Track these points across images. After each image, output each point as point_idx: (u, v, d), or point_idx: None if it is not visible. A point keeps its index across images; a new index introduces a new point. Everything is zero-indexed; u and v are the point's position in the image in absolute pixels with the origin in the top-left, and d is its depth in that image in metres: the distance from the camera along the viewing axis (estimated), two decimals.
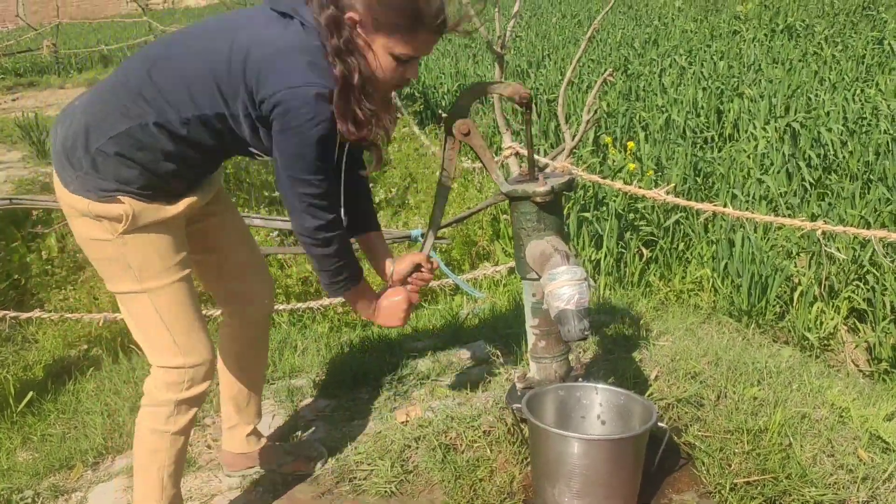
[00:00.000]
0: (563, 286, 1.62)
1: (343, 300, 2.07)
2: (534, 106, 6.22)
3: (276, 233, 3.57)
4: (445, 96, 7.48)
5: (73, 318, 3.06)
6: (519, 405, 1.85)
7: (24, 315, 3.00)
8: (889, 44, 6.76)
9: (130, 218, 1.60)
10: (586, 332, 1.62)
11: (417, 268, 1.93)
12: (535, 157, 3.05)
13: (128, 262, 1.64)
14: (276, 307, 3.20)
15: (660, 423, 1.76)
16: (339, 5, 1.53)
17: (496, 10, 3.45)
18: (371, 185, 4.52)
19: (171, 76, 1.57)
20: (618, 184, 3.31)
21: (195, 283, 1.80)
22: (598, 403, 1.91)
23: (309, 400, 2.49)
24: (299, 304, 3.27)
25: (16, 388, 2.81)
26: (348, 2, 1.52)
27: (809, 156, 4.34)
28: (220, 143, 1.64)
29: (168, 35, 1.73)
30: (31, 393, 2.74)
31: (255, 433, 2.13)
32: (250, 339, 2.03)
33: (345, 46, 1.53)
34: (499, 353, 2.59)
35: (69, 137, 1.60)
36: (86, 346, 3.25)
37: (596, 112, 3.23)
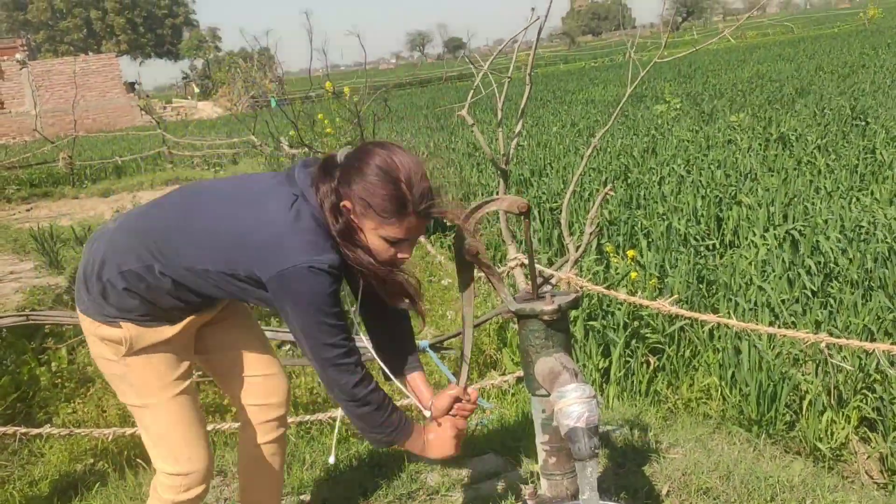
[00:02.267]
0: (573, 404, 1.64)
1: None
2: (537, 214, 6.39)
3: (287, 346, 3.60)
4: (449, 205, 7.63)
5: (82, 434, 3.05)
6: None
7: (35, 431, 3.01)
8: (881, 153, 6.96)
9: (129, 342, 1.79)
10: (596, 450, 1.64)
11: (457, 400, 1.98)
12: (540, 267, 3.12)
13: (130, 381, 1.85)
14: None
15: None
16: (338, 194, 1.68)
17: (499, 128, 3.61)
18: None
19: (185, 238, 1.76)
20: (622, 294, 3.37)
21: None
22: None
23: None
24: (307, 416, 3.26)
25: None
26: (345, 191, 1.68)
27: (809, 264, 4.41)
28: (219, 290, 1.79)
29: (193, 190, 1.91)
30: None
31: None
32: (268, 439, 2.07)
33: (344, 229, 1.69)
34: (509, 468, 2.57)
35: (90, 263, 1.81)
36: (92, 461, 3.22)
37: (598, 225, 3.33)
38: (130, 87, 34.78)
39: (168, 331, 1.83)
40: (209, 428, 3.03)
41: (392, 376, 2.01)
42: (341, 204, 1.68)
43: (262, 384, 2.03)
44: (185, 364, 1.89)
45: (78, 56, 35.77)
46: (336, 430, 2.11)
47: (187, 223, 1.77)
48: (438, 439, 1.91)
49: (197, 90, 41.32)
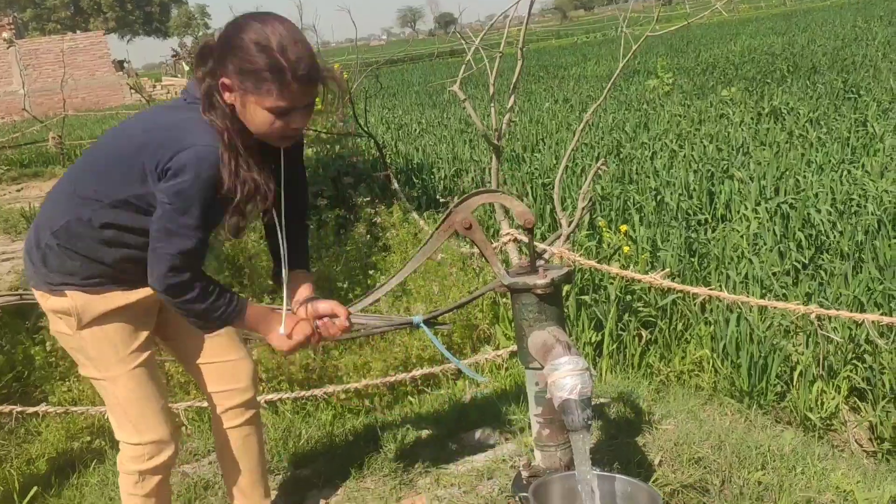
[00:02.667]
0: (566, 376, 1.66)
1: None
2: (529, 190, 6.39)
3: None
4: (442, 181, 7.64)
5: (78, 412, 3.06)
6: (525, 494, 1.86)
7: (31, 409, 3.02)
8: (872, 126, 6.97)
9: (77, 312, 1.80)
10: (590, 422, 1.66)
11: (333, 316, 1.93)
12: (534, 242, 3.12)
13: (87, 354, 1.85)
14: (279, 395, 3.22)
15: None
16: (214, 75, 1.66)
17: (492, 104, 3.60)
18: (370, 270, 4.58)
19: (95, 171, 1.79)
20: (615, 268, 3.39)
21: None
22: (605, 492, 1.92)
23: (314, 491, 2.49)
24: (302, 392, 3.28)
25: (20, 483, 2.80)
26: (222, 70, 1.65)
27: (800, 237, 4.43)
28: (138, 219, 1.76)
29: (100, 137, 1.96)
30: (35, 488, 2.73)
31: None
32: (237, 423, 2.08)
33: (220, 111, 1.66)
34: (503, 440, 2.60)
35: (30, 239, 1.85)
36: (89, 439, 3.24)
37: (591, 199, 3.33)
38: (119, 65, 34.41)
39: (119, 297, 1.83)
40: (201, 405, 3.06)
41: (279, 273, 1.98)
42: (220, 82, 1.65)
43: (225, 370, 2.04)
44: (142, 336, 1.90)
45: (66, 34, 35.34)
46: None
47: (96, 158, 1.81)
48: (285, 334, 1.88)
49: (187, 68, 40.93)
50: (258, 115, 1.66)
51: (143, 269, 1.78)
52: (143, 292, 1.85)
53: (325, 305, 1.93)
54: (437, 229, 1.95)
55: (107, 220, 1.76)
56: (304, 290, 1.98)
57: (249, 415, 2.09)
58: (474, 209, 1.96)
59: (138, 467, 1.93)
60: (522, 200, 6.17)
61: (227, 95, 1.67)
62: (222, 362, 2.04)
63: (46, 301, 1.83)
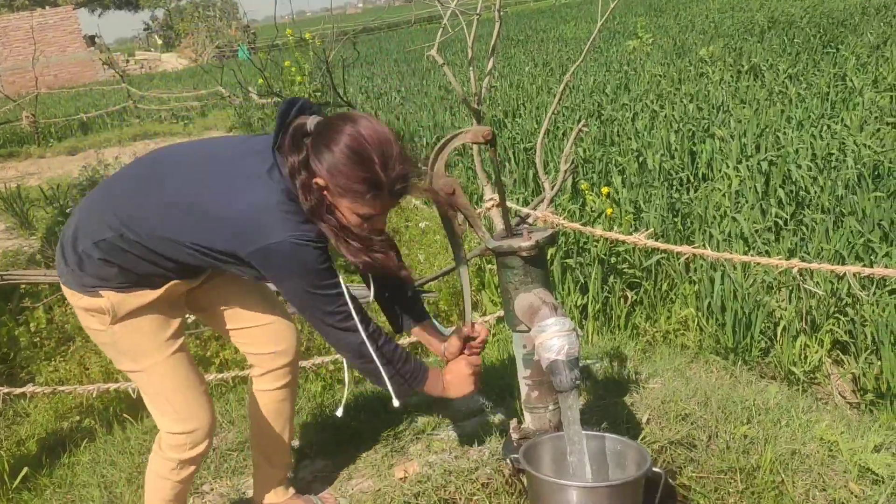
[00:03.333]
0: (553, 337, 1.67)
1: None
2: (511, 155, 6.37)
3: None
4: (424, 149, 7.60)
5: (66, 391, 3.05)
6: (516, 456, 1.88)
7: (18, 390, 3.00)
8: (851, 80, 6.99)
9: (112, 310, 1.77)
10: (577, 381, 1.67)
11: (467, 340, 2.01)
12: (517, 207, 3.12)
13: (120, 349, 1.84)
14: None
15: (655, 468, 1.80)
16: (308, 170, 1.65)
17: (471, 67, 3.56)
18: None
19: (153, 203, 1.73)
20: (599, 230, 3.39)
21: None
22: (594, 450, 1.94)
23: (306, 461, 2.50)
24: None
25: (10, 464, 2.79)
26: (316, 167, 1.65)
27: (780, 194, 4.46)
28: (194, 259, 1.76)
29: (161, 159, 1.84)
30: (25, 468, 2.72)
31: (284, 483, 2.19)
32: (275, 386, 2.07)
33: (316, 207, 1.66)
34: (492, 405, 2.62)
35: (66, 235, 1.80)
36: (78, 418, 3.23)
37: (573, 162, 3.33)
38: (91, 40, 33.74)
39: (150, 294, 1.80)
40: None
41: (401, 331, 2.05)
42: (314, 181, 1.65)
43: (266, 332, 2.02)
44: (175, 322, 1.86)
45: (34, 10, 34.54)
46: (346, 384, 2.09)
47: (157, 196, 1.73)
48: (456, 378, 1.95)
49: (160, 42, 40.21)
50: (350, 217, 1.69)
51: (170, 278, 1.80)
52: (165, 287, 1.83)
53: (455, 342, 2.01)
54: (445, 220, 1.96)
55: (155, 250, 1.73)
56: (438, 337, 2.06)
57: (288, 379, 2.07)
58: (447, 159, 1.93)
59: (179, 456, 1.90)
60: (506, 166, 6.15)
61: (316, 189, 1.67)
62: (263, 325, 2.01)
63: (79, 300, 1.79)
